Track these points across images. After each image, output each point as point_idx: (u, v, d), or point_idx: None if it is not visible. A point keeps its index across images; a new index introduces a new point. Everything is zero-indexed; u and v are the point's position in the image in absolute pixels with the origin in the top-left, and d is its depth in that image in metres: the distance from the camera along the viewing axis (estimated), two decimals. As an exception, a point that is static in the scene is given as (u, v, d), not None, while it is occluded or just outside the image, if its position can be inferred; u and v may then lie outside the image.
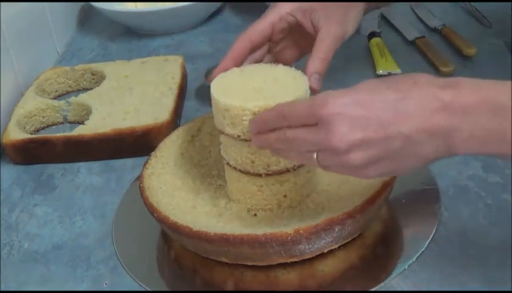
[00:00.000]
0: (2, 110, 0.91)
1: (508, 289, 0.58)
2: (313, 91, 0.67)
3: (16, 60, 0.98)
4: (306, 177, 0.67)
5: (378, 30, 1.08)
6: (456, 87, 0.51)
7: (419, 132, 0.51)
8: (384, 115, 0.52)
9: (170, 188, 0.71)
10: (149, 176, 0.71)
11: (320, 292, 0.62)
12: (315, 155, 0.56)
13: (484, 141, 0.51)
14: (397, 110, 0.52)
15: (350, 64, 1.01)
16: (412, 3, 1.18)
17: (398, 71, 0.96)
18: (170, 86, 0.93)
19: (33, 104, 0.92)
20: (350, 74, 0.99)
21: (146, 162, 0.73)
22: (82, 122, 0.88)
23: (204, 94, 0.96)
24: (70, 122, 0.93)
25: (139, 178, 0.71)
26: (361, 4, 0.79)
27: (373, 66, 0.99)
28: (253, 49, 0.75)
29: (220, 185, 0.72)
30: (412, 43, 1.04)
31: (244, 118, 0.61)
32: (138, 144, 0.84)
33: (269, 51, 0.78)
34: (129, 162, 0.84)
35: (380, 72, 0.97)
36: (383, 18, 1.13)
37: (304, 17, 0.75)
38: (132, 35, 1.21)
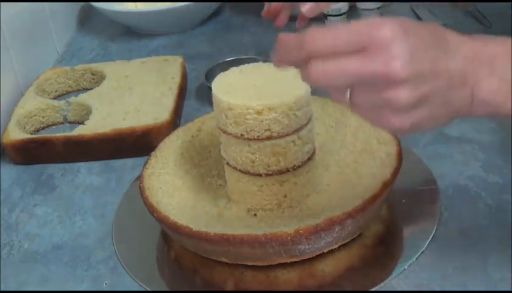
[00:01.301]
0: (2, 110, 0.91)
1: (508, 289, 0.58)
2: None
3: (16, 60, 0.98)
4: (306, 177, 0.67)
5: (378, 30, 1.08)
6: (483, 40, 0.50)
7: (458, 73, 0.48)
8: (436, 50, 0.48)
9: (170, 188, 0.71)
10: (149, 176, 0.71)
11: (320, 292, 0.62)
12: (348, 96, 0.49)
13: (506, 93, 0.49)
14: (444, 49, 0.48)
15: (350, 64, 1.01)
16: (412, 3, 1.18)
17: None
18: (170, 86, 0.93)
19: (33, 104, 0.92)
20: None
21: (146, 162, 0.73)
22: (82, 123, 0.88)
23: (204, 94, 0.96)
24: (70, 122, 0.93)
25: (139, 178, 0.70)
26: None
27: (373, 66, 0.98)
28: None
29: (220, 185, 0.72)
30: (412, 43, 1.04)
31: (248, 116, 0.62)
32: (138, 144, 0.84)
33: None
34: (129, 162, 0.84)
35: (380, 72, 0.96)
36: (383, 18, 1.13)
37: None
38: (132, 35, 1.22)
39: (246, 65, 0.71)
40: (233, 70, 0.69)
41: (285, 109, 0.62)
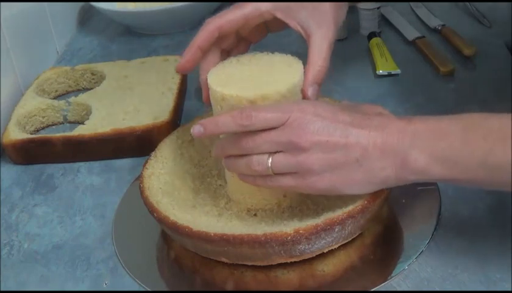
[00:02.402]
0: (2, 110, 0.91)
1: (508, 289, 0.58)
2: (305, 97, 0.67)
3: (16, 60, 0.98)
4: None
5: (378, 30, 1.08)
6: (409, 119, 0.58)
7: (375, 147, 0.56)
8: (349, 126, 0.57)
9: (170, 188, 0.71)
10: (149, 176, 0.71)
11: (320, 292, 0.62)
12: (269, 161, 0.59)
13: (433, 161, 0.55)
14: (360, 125, 0.57)
15: (350, 64, 1.01)
16: (412, 3, 1.18)
17: (398, 71, 0.96)
18: (170, 86, 0.93)
19: (33, 104, 0.92)
20: (350, 74, 0.99)
21: (146, 162, 0.73)
22: (82, 123, 0.88)
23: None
24: (70, 123, 0.93)
25: (139, 178, 0.70)
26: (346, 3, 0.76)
27: (373, 66, 0.99)
28: (222, 38, 0.71)
29: (220, 185, 0.72)
30: (412, 43, 1.04)
31: (242, 107, 0.62)
32: (138, 144, 0.84)
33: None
34: (129, 162, 0.84)
35: (380, 72, 0.97)
36: (383, 18, 1.13)
37: (288, 17, 0.71)
38: (132, 35, 1.22)
39: (244, 54, 0.71)
40: (231, 60, 0.69)
41: (278, 97, 0.62)
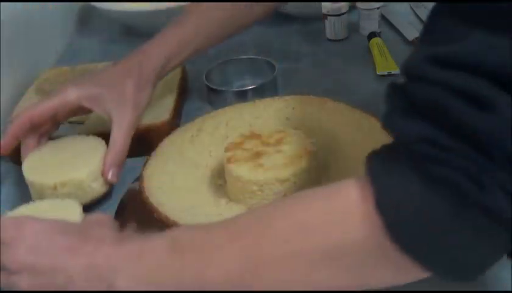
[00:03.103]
0: (2, 110, 0.91)
1: (508, 289, 0.58)
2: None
3: (16, 60, 0.98)
4: (306, 177, 0.67)
5: (378, 30, 1.08)
6: (122, 242, 0.56)
7: (84, 269, 0.54)
8: (59, 249, 0.55)
9: (170, 188, 0.70)
10: (149, 176, 0.71)
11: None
12: None
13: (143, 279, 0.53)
14: (73, 249, 0.55)
15: (350, 64, 1.02)
16: (412, 3, 1.18)
17: (398, 71, 0.96)
18: (170, 86, 0.93)
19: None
20: (350, 74, 0.99)
21: (146, 162, 0.73)
22: (82, 123, 0.88)
23: (204, 94, 0.96)
24: (70, 123, 0.92)
25: (139, 178, 0.70)
26: (153, 73, 0.79)
27: (373, 66, 0.99)
28: (35, 127, 0.77)
29: (220, 185, 0.72)
30: (412, 43, 1.04)
31: (47, 191, 0.72)
32: (138, 144, 0.83)
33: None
34: (129, 162, 0.83)
35: (380, 72, 0.97)
36: (383, 18, 1.13)
37: (93, 105, 0.76)
38: (132, 35, 1.21)
39: (60, 138, 0.79)
40: (47, 144, 0.78)
41: (78, 183, 0.72)
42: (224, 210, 0.68)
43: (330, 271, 0.48)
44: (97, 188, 0.75)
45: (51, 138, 0.80)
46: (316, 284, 0.49)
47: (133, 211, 0.73)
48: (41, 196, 0.73)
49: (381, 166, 0.46)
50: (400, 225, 0.44)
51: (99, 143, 0.77)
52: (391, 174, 0.45)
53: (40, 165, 0.75)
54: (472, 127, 0.41)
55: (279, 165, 0.66)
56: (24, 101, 0.93)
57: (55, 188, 0.72)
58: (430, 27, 0.46)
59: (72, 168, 0.74)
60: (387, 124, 0.46)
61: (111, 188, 0.77)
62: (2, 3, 0.95)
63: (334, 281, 0.49)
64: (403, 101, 0.45)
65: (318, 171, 0.69)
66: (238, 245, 0.50)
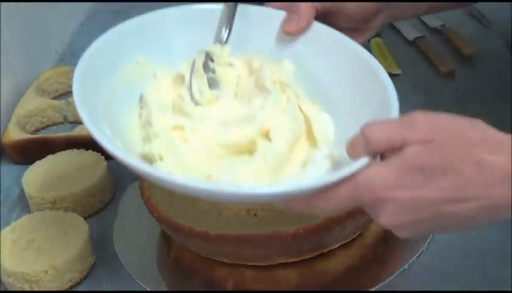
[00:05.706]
0: (2, 110, 0.91)
1: (508, 289, 0.58)
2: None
3: (16, 60, 0.98)
4: (306, 177, 0.67)
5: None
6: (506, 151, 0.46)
7: (477, 210, 0.46)
8: (438, 199, 0.46)
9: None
10: (149, 176, 0.71)
11: (320, 291, 0.62)
12: None
13: None
14: (453, 198, 0.46)
15: (350, 64, 1.01)
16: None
17: (398, 71, 0.96)
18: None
19: (33, 104, 0.92)
20: (350, 74, 0.99)
21: (146, 162, 0.73)
22: (82, 123, 0.88)
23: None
24: (70, 122, 0.93)
25: (139, 178, 0.70)
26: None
27: (373, 66, 0.98)
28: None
29: (220, 185, 0.72)
30: (412, 43, 1.04)
31: (44, 205, 0.73)
32: (138, 144, 0.83)
33: None
34: (129, 162, 0.83)
35: (380, 72, 0.96)
36: (383, 18, 1.13)
37: None
38: (132, 35, 1.21)
39: (62, 152, 0.80)
40: (47, 159, 0.79)
41: (75, 198, 0.73)
42: (224, 210, 0.67)
43: None
44: (96, 203, 0.75)
45: (51, 153, 0.80)
46: None
47: (133, 211, 0.73)
48: (40, 210, 0.73)
49: None
50: None
51: (98, 158, 0.77)
52: None
53: (40, 180, 0.75)
54: None
55: None
56: (24, 101, 0.93)
57: (54, 202, 0.73)
58: None
59: (71, 183, 0.74)
60: None
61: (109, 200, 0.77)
62: (2, 3, 0.95)
63: None
64: None
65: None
66: None
